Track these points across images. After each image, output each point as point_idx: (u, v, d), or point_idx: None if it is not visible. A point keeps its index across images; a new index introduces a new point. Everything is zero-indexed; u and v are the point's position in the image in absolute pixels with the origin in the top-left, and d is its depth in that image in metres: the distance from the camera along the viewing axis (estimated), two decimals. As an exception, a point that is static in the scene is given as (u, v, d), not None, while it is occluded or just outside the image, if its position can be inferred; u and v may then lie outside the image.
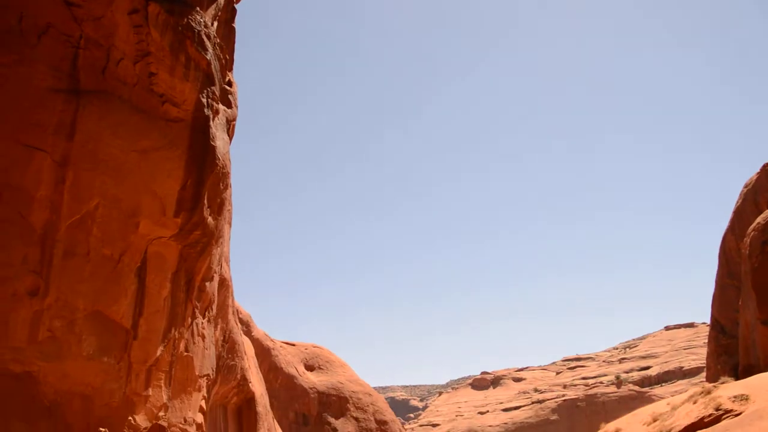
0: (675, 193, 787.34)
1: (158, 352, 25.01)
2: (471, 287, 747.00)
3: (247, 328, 57.08)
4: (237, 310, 43.69)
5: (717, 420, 28.72)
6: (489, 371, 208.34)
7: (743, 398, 29.43)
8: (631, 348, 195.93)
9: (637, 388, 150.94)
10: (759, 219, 45.60)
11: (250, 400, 43.28)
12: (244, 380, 41.08)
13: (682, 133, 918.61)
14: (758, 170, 56.49)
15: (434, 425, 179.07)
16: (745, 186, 58.29)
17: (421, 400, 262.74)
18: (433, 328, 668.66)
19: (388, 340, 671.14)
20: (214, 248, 28.60)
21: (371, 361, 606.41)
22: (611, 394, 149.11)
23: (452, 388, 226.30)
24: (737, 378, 40.02)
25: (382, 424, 69.28)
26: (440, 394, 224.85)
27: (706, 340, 67.84)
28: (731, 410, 28.92)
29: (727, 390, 32.04)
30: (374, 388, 77.49)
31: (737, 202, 57.54)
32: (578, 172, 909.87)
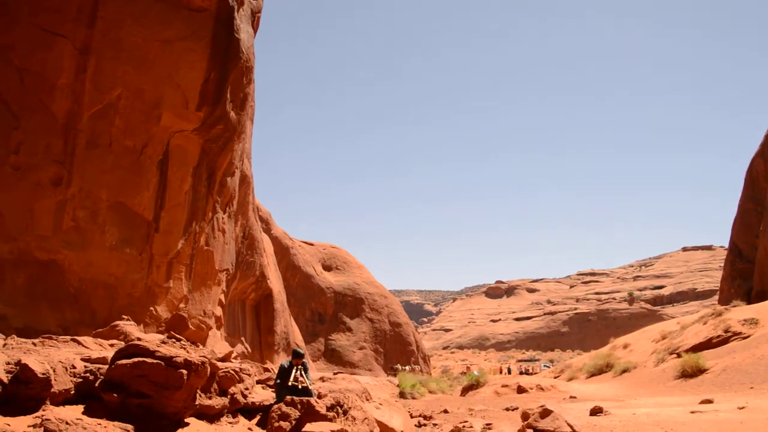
0: (703, 112, 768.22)
1: (179, 246, 25.44)
2: (492, 197, 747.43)
3: (266, 225, 57.82)
4: (257, 208, 44.15)
5: (725, 341, 29.13)
6: (503, 280, 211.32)
7: (753, 322, 29.68)
8: (646, 266, 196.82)
9: (648, 306, 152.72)
10: (791, 145, 44.57)
11: (268, 297, 44.34)
12: (263, 277, 41.96)
13: (715, 51, 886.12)
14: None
15: (447, 330, 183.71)
16: (781, 110, 56.44)
17: (435, 305, 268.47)
18: (451, 236, 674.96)
19: (405, 245, 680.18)
20: (236, 143, 28.54)
21: (388, 264, 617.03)
22: (623, 311, 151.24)
23: (466, 295, 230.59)
24: (749, 302, 40.25)
25: (395, 326, 70.99)
26: (454, 300, 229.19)
27: (723, 264, 67.82)
28: (740, 333, 29.26)
29: (738, 313, 32.32)
30: (390, 291, 78.87)
31: (770, 126, 55.98)
32: (605, 87, 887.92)
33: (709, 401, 16.89)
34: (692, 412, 14.47)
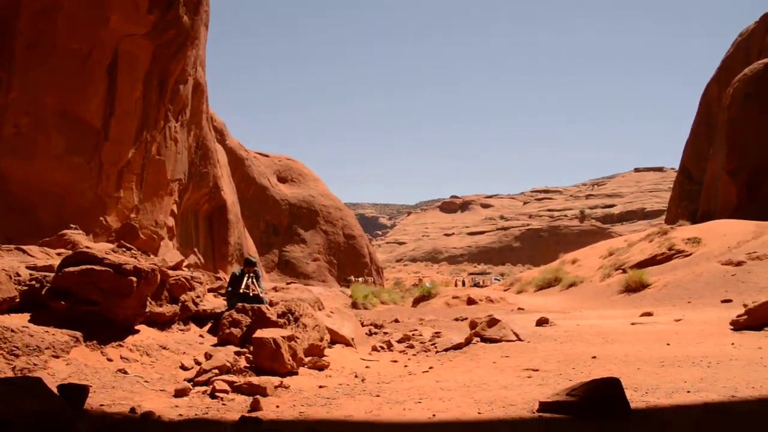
0: (662, 36, 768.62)
1: (130, 155, 24.86)
2: (450, 113, 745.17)
3: (221, 136, 56.76)
4: (211, 118, 43.12)
5: (668, 258, 30.23)
6: (458, 196, 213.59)
7: (695, 241, 30.77)
8: (599, 185, 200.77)
9: (598, 224, 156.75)
10: (746, 70, 45.00)
11: (221, 208, 43.97)
12: (216, 188, 41.50)
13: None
14: (756, 20, 54.74)
15: (401, 243, 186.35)
16: (740, 35, 56.74)
17: (390, 219, 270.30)
18: (408, 150, 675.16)
19: (362, 158, 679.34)
20: (189, 50, 27.58)
21: (344, 178, 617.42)
22: (573, 228, 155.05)
23: (421, 209, 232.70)
24: (694, 223, 41.61)
25: (350, 238, 71.54)
26: (409, 214, 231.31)
27: (672, 185, 69.47)
28: (683, 251, 30.37)
29: (683, 233, 33.43)
30: (345, 204, 78.98)
31: (728, 51, 56.34)
32: (562, 7, 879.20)
33: (649, 314, 17.59)
34: (633, 324, 15.08)
